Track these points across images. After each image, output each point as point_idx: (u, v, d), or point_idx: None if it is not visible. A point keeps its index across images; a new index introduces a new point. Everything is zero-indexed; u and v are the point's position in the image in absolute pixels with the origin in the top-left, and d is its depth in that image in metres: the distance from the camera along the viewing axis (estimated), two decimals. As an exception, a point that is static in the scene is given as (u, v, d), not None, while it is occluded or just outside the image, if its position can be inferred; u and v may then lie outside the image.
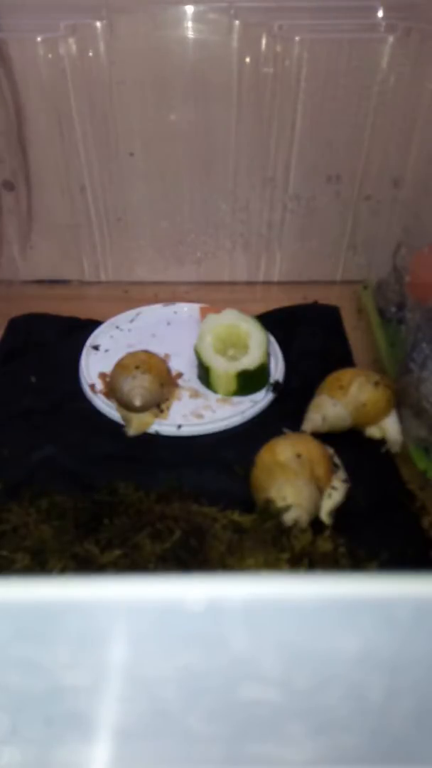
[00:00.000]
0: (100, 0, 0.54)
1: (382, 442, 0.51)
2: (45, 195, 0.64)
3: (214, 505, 0.44)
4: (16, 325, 0.64)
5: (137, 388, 0.51)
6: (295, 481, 0.43)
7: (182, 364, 0.58)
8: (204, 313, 0.61)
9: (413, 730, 0.20)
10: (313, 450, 0.45)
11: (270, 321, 0.59)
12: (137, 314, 0.64)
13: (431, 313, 0.52)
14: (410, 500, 0.47)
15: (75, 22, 0.55)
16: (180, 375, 0.57)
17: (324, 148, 0.61)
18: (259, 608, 0.17)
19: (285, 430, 0.49)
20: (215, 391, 0.55)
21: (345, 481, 0.46)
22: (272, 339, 0.59)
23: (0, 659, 0.18)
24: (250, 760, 0.21)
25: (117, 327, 0.63)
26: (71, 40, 0.55)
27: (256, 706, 0.20)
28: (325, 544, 0.41)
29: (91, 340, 0.60)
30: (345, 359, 0.60)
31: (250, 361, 0.54)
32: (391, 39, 0.55)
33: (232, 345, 0.55)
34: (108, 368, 0.56)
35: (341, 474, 0.47)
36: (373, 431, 0.51)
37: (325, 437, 0.48)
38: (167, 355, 0.58)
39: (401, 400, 0.51)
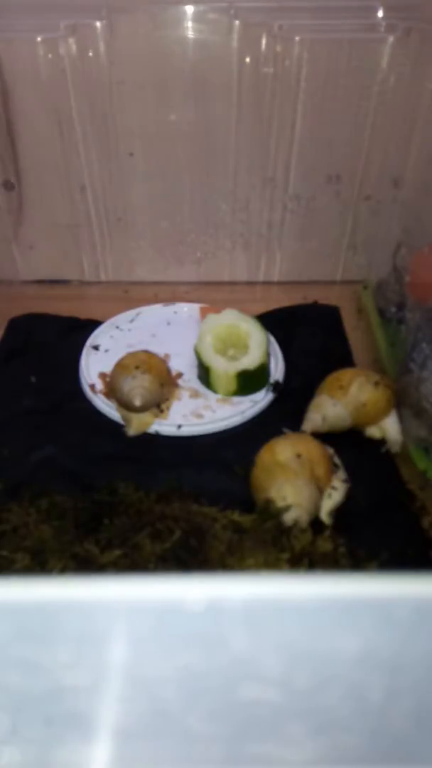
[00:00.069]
0: (100, 0, 0.54)
1: (382, 442, 0.51)
2: (45, 195, 0.64)
3: (214, 505, 0.44)
4: (16, 325, 0.64)
5: (137, 388, 0.51)
6: (295, 481, 0.43)
7: (182, 364, 0.58)
8: (204, 313, 0.61)
9: (413, 730, 0.20)
10: (313, 450, 0.45)
11: (270, 321, 0.59)
12: (137, 314, 0.64)
13: (431, 313, 0.52)
14: (410, 500, 0.47)
15: (75, 22, 0.55)
16: (180, 375, 0.57)
17: (324, 148, 0.61)
18: (259, 608, 0.17)
19: (285, 430, 0.49)
20: (215, 391, 0.55)
21: (345, 481, 0.46)
22: (272, 339, 0.59)
23: (0, 659, 0.18)
24: (250, 760, 0.21)
25: (117, 327, 0.63)
26: (71, 40, 0.55)
27: (256, 706, 0.20)
28: (325, 544, 0.41)
29: (91, 340, 0.60)
30: (345, 359, 0.60)
31: (250, 361, 0.54)
32: (391, 39, 0.55)
33: (232, 345, 0.55)
34: (108, 368, 0.56)
35: (341, 474, 0.47)
36: (373, 431, 0.51)
37: (325, 437, 0.48)
38: (167, 355, 0.58)
39: (401, 400, 0.51)
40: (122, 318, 0.63)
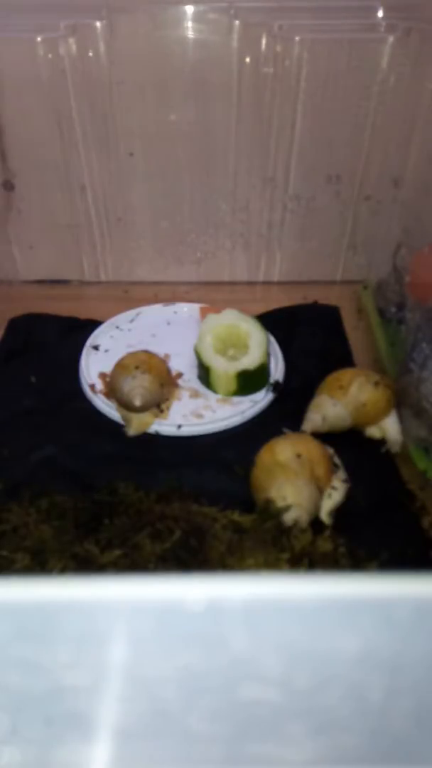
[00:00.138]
0: (100, 0, 0.54)
1: (382, 442, 0.51)
2: (45, 195, 0.64)
3: (214, 505, 0.44)
4: (16, 325, 0.64)
5: (137, 388, 0.51)
6: (295, 481, 0.43)
7: (182, 364, 0.58)
8: (204, 313, 0.61)
9: (413, 730, 0.20)
10: (313, 450, 0.45)
11: (270, 321, 0.59)
12: (137, 314, 0.64)
13: (431, 313, 0.52)
14: (410, 500, 0.47)
15: (75, 22, 0.55)
16: (180, 375, 0.57)
17: (324, 148, 0.61)
18: (259, 608, 0.17)
19: (285, 430, 0.49)
20: (215, 391, 0.55)
21: (345, 481, 0.46)
22: (272, 339, 0.59)
23: (0, 659, 0.18)
24: (250, 760, 0.21)
25: (117, 327, 0.63)
26: (71, 40, 0.55)
27: (256, 706, 0.20)
28: (325, 544, 0.41)
29: (91, 340, 0.60)
30: (345, 359, 0.60)
31: (250, 361, 0.54)
32: (391, 39, 0.55)
33: (232, 345, 0.55)
34: (108, 368, 0.56)
35: (341, 474, 0.47)
36: (373, 431, 0.51)
37: (325, 437, 0.48)
38: (167, 355, 0.58)
39: (401, 400, 0.51)
40: (122, 318, 0.63)
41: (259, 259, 0.70)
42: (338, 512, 0.45)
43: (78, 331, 0.62)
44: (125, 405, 0.52)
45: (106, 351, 0.60)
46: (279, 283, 0.71)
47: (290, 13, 0.55)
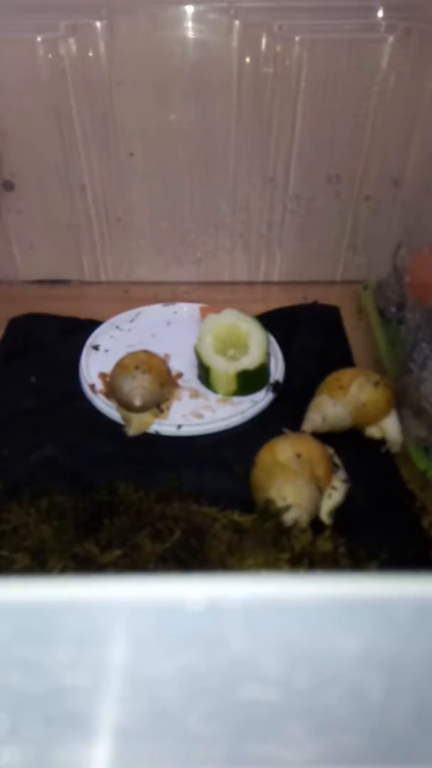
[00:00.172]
0: (100, 0, 0.54)
1: (382, 442, 0.51)
2: (45, 195, 0.64)
3: (214, 505, 0.44)
4: (16, 325, 0.64)
5: (137, 388, 0.51)
6: (295, 481, 0.43)
7: (182, 364, 0.58)
8: (204, 313, 0.61)
9: (413, 730, 0.20)
10: (313, 450, 0.45)
11: (270, 321, 0.59)
12: (137, 314, 0.64)
13: (431, 313, 0.52)
14: (410, 500, 0.47)
15: (75, 22, 0.54)
16: (180, 375, 0.57)
17: (324, 148, 0.61)
18: (259, 608, 0.17)
19: (285, 430, 0.49)
20: (215, 391, 0.55)
21: (345, 481, 0.46)
22: (272, 339, 0.59)
23: (0, 659, 0.18)
24: (250, 760, 0.21)
25: (117, 327, 0.63)
26: (71, 40, 0.55)
27: (256, 706, 0.20)
28: (325, 544, 0.41)
29: (91, 340, 0.60)
30: (345, 359, 0.60)
31: (250, 361, 0.54)
32: (391, 39, 0.55)
33: (232, 345, 0.55)
34: (108, 368, 0.56)
35: (341, 474, 0.47)
36: (373, 431, 0.51)
37: (325, 437, 0.48)
38: (167, 355, 0.58)
39: (401, 400, 0.51)
40: (122, 318, 0.63)
41: (259, 259, 0.70)
42: (338, 512, 0.45)
43: (78, 331, 0.62)
44: (125, 405, 0.52)
45: (106, 351, 0.60)
46: (279, 283, 0.71)
47: (290, 13, 0.55)
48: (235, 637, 0.18)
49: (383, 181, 0.64)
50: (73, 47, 0.55)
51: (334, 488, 0.45)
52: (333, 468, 0.46)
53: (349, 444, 0.50)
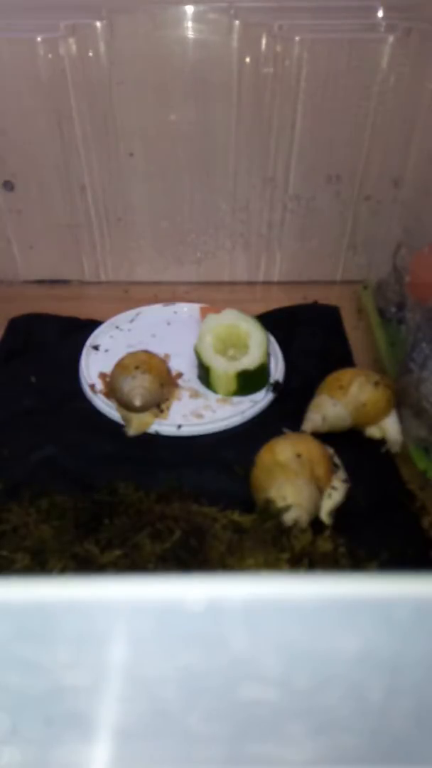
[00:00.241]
0: (100, 0, 0.54)
1: (382, 442, 0.51)
2: (45, 195, 0.64)
3: (214, 505, 0.44)
4: (16, 325, 0.64)
5: (137, 388, 0.51)
6: (295, 481, 0.43)
7: (182, 364, 0.58)
8: (204, 313, 0.61)
9: (413, 730, 0.20)
10: (313, 450, 0.45)
11: (270, 321, 0.59)
12: (137, 314, 0.64)
13: (431, 313, 0.52)
14: (410, 500, 0.47)
15: (75, 22, 0.55)
16: (180, 375, 0.57)
17: (324, 148, 0.61)
18: (259, 608, 0.17)
19: (285, 430, 0.49)
20: (215, 391, 0.55)
21: (345, 481, 0.46)
22: (272, 339, 0.59)
23: (0, 659, 0.18)
24: (250, 760, 0.21)
25: (117, 327, 0.63)
26: (71, 40, 0.55)
27: (256, 706, 0.20)
28: (325, 544, 0.41)
29: (91, 340, 0.60)
30: (345, 359, 0.60)
31: (250, 361, 0.54)
32: (391, 39, 0.55)
33: (232, 345, 0.55)
34: (108, 368, 0.56)
35: (341, 474, 0.47)
36: (373, 431, 0.51)
37: (325, 437, 0.48)
38: (167, 355, 0.58)
39: (401, 400, 0.51)
40: (122, 318, 0.63)
41: (259, 259, 0.70)
42: (338, 512, 0.45)
43: (78, 331, 0.62)
44: (125, 405, 0.52)
45: (106, 351, 0.60)
46: (279, 283, 0.71)
47: (290, 13, 0.55)
48: (235, 637, 0.18)
49: (383, 181, 0.64)
50: (73, 47, 0.55)
51: (334, 488, 0.45)
52: (333, 468, 0.46)
53: (349, 444, 0.50)
